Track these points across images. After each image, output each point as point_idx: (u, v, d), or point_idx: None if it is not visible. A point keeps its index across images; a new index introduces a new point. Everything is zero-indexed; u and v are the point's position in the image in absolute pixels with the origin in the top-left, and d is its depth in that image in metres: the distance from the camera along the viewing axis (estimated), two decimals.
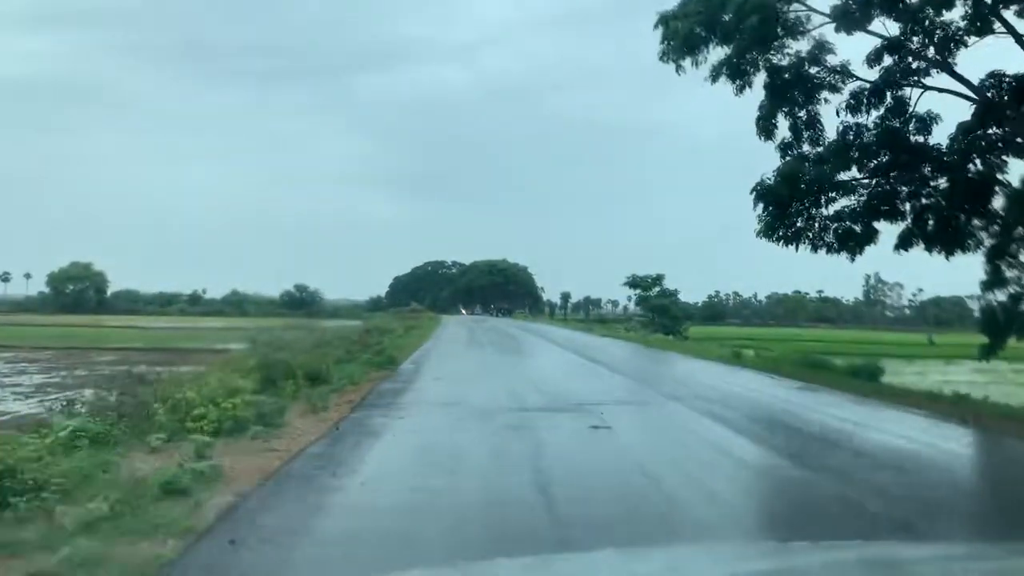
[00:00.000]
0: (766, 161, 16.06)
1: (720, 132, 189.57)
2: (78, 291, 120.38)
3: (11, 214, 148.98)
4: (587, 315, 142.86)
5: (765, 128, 16.15)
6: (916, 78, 15.37)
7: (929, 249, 15.48)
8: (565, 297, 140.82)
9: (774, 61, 15.61)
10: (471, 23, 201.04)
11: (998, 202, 14.83)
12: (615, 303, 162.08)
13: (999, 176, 14.89)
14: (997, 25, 14.08)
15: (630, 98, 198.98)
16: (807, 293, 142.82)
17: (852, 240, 15.72)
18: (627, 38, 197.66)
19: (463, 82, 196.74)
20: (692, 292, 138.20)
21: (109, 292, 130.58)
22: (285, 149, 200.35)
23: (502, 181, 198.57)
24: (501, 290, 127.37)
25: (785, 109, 16.05)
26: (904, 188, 15.69)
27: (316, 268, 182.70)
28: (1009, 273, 14.74)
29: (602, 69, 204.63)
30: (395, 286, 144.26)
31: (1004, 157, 14.95)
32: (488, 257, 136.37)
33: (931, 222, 15.47)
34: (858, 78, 15.68)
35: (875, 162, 15.85)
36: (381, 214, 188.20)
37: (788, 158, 16.08)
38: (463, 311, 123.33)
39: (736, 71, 15.40)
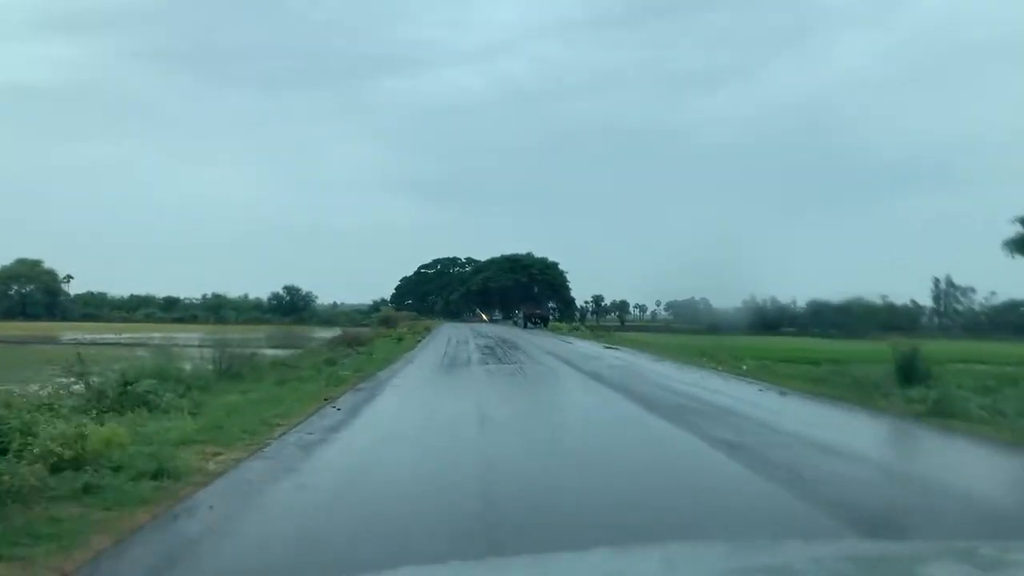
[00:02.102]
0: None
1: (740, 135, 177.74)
2: (24, 293, 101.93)
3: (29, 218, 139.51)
4: (623, 322, 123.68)
5: None
6: None
7: None
8: (597, 300, 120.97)
9: None
10: (487, 27, 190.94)
11: None
12: (643, 308, 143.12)
13: None
14: None
15: (648, 102, 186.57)
16: (861, 298, 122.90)
17: None
18: (644, 42, 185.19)
19: (479, 86, 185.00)
20: (721, 297, 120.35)
21: (73, 294, 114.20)
22: (297, 154, 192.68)
23: (519, 186, 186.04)
24: (525, 291, 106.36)
25: None
26: None
27: (328, 273, 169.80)
28: None
29: (619, 73, 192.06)
30: (401, 288, 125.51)
31: None
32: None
33: None
34: None
35: None
36: (395, 218, 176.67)
37: None
38: (483, 317, 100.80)
39: None
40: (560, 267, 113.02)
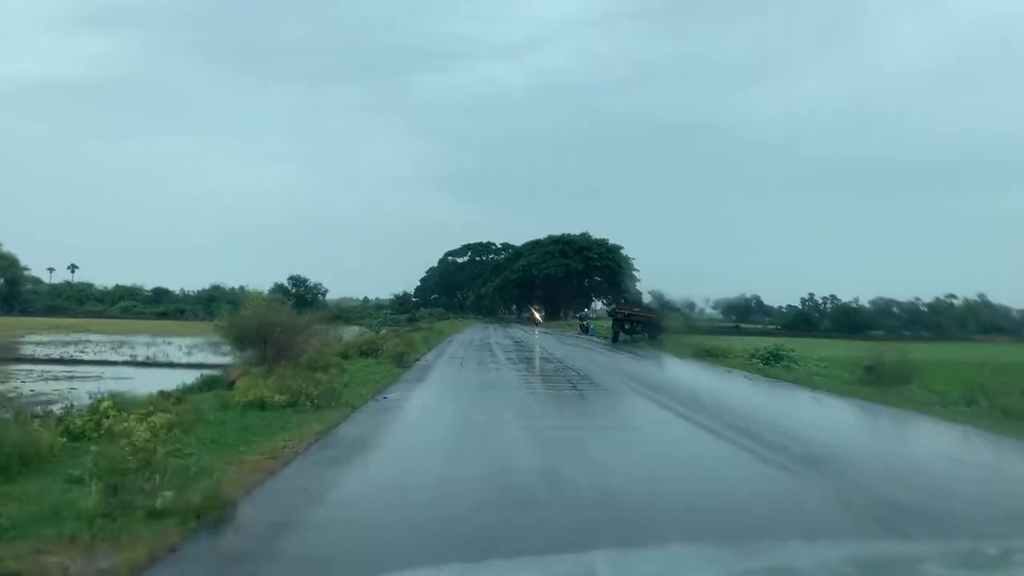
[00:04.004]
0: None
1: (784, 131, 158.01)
2: None
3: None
4: (689, 325, 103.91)
5: None
6: None
7: None
8: (659, 297, 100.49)
9: None
10: (525, 21, 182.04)
11: None
12: (691, 306, 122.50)
13: None
14: None
15: (689, 95, 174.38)
16: (953, 297, 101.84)
17: None
18: (685, 34, 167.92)
19: (517, 80, 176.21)
20: (775, 295, 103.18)
21: (49, 284, 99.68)
22: (335, 149, 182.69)
23: (558, 180, 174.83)
24: (577, 281, 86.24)
25: None
26: None
27: (358, 268, 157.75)
28: None
29: (659, 66, 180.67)
30: (426, 280, 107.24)
31: None
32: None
33: None
34: None
35: None
36: (428, 213, 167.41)
37: None
38: (536, 316, 77.23)
39: None
40: (623, 251, 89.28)
